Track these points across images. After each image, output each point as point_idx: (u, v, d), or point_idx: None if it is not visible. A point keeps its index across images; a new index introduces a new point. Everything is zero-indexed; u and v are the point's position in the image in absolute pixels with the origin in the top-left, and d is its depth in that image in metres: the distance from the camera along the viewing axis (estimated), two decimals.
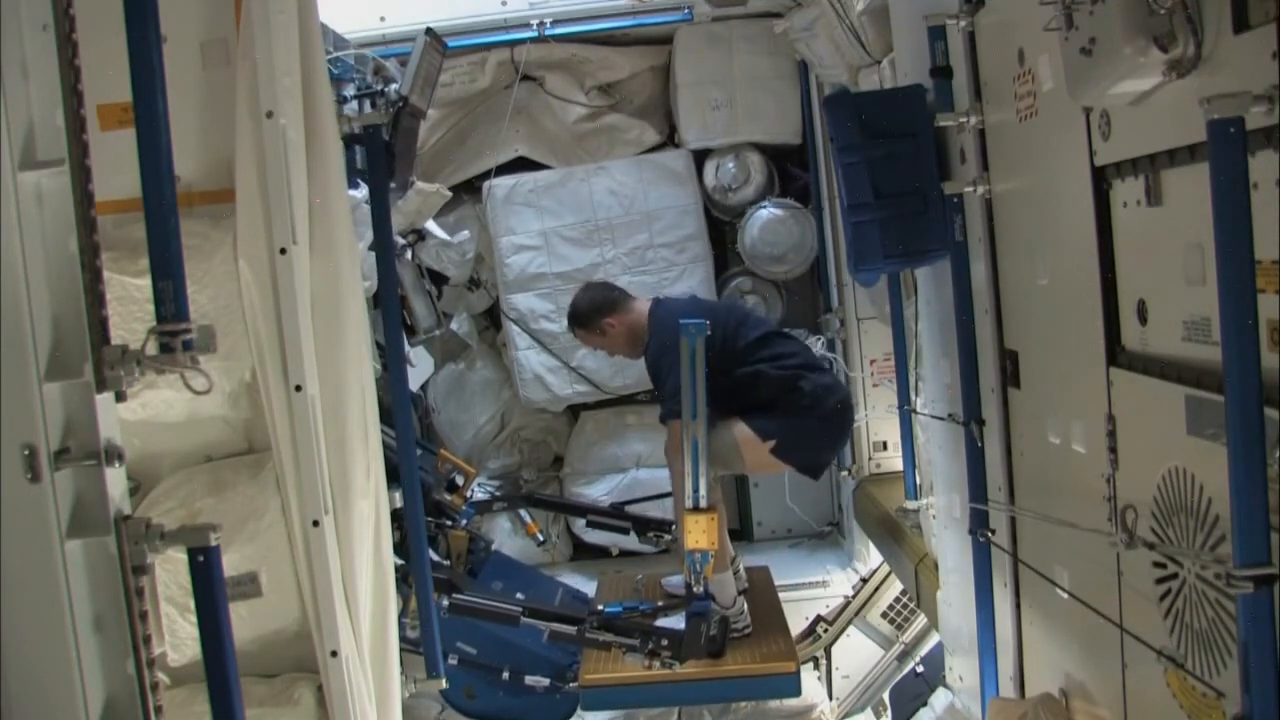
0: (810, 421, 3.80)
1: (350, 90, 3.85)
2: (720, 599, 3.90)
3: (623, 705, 4.29)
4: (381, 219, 3.38)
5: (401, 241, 4.57)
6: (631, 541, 5.36)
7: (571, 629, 3.82)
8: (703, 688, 3.79)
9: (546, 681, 4.05)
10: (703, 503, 3.51)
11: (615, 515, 4.64)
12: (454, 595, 3.81)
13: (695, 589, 3.63)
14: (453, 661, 3.86)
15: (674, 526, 4.21)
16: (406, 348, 4.81)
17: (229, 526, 2.45)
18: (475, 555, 4.24)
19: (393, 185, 4.26)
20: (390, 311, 3.50)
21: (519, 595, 4.23)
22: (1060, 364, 2.50)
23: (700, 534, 3.52)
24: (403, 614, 3.49)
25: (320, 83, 2.62)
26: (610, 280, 4.76)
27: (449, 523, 4.13)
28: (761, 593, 4.34)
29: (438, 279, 5.30)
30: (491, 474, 5.52)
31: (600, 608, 4.21)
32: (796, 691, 3.91)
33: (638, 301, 4.05)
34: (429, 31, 4.28)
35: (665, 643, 3.70)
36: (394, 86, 4.21)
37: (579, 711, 4.31)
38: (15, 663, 1.71)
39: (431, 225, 4.92)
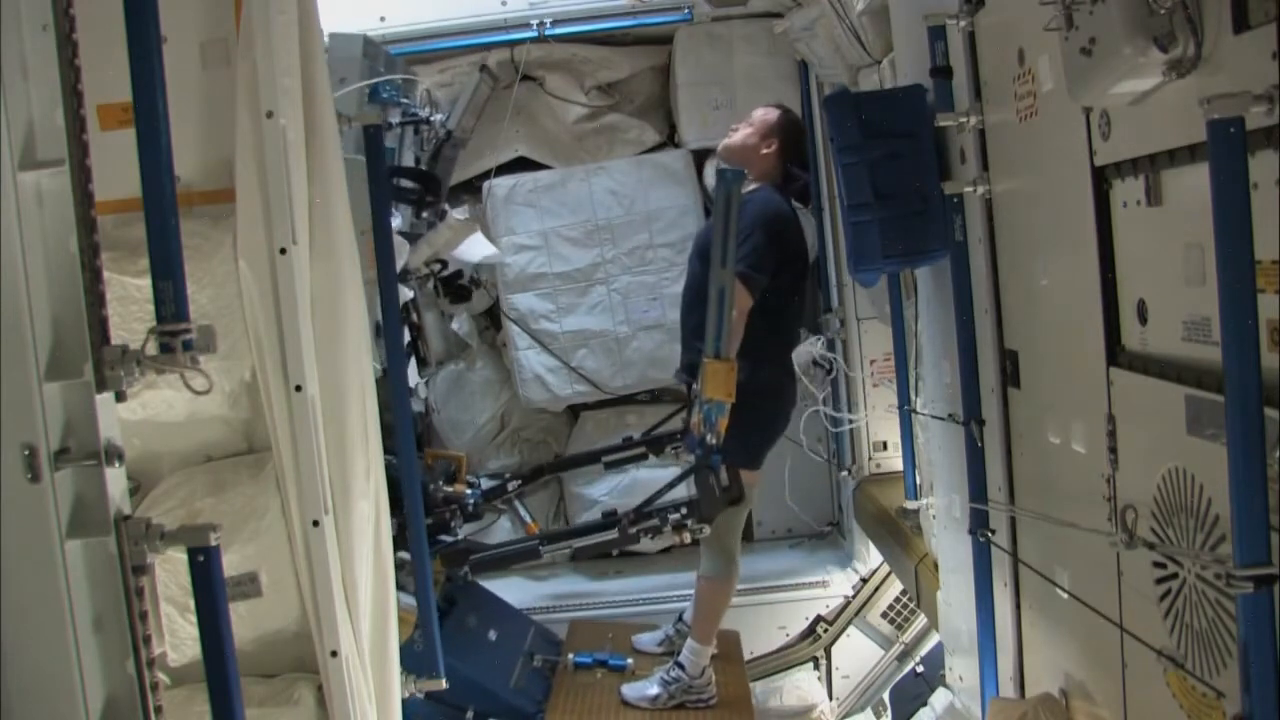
0: (762, 428, 3.84)
1: (396, 116, 3.82)
2: (690, 668, 3.92)
3: None
4: (381, 224, 3.37)
5: (425, 270, 4.56)
6: (631, 541, 5.36)
7: (593, 538, 3.79)
8: None
9: None
10: (723, 352, 3.46)
11: (630, 446, 4.55)
12: (471, 557, 3.81)
13: (709, 441, 3.52)
14: (420, 695, 3.86)
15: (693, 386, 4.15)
16: (416, 378, 4.83)
17: (229, 526, 2.45)
18: (453, 583, 4.23)
19: (425, 214, 4.26)
20: (392, 326, 3.49)
21: (491, 633, 4.22)
22: (1060, 364, 2.50)
23: (719, 383, 3.44)
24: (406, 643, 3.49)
25: (320, 83, 2.61)
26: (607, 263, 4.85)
27: (457, 506, 4.13)
28: (729, 660, 4.33)
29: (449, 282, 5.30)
30: (491, 474, 5.52)
31: (571, 655, 4.21)
32: None
33: (783, 172, 4.02)
34: (484, 68, 4.28)
35: (684, 512, 3.62)
36: (439, 116, 4.21)
37: None
38: (15, 663, 1.71)
39: (473, 248, 4.84)
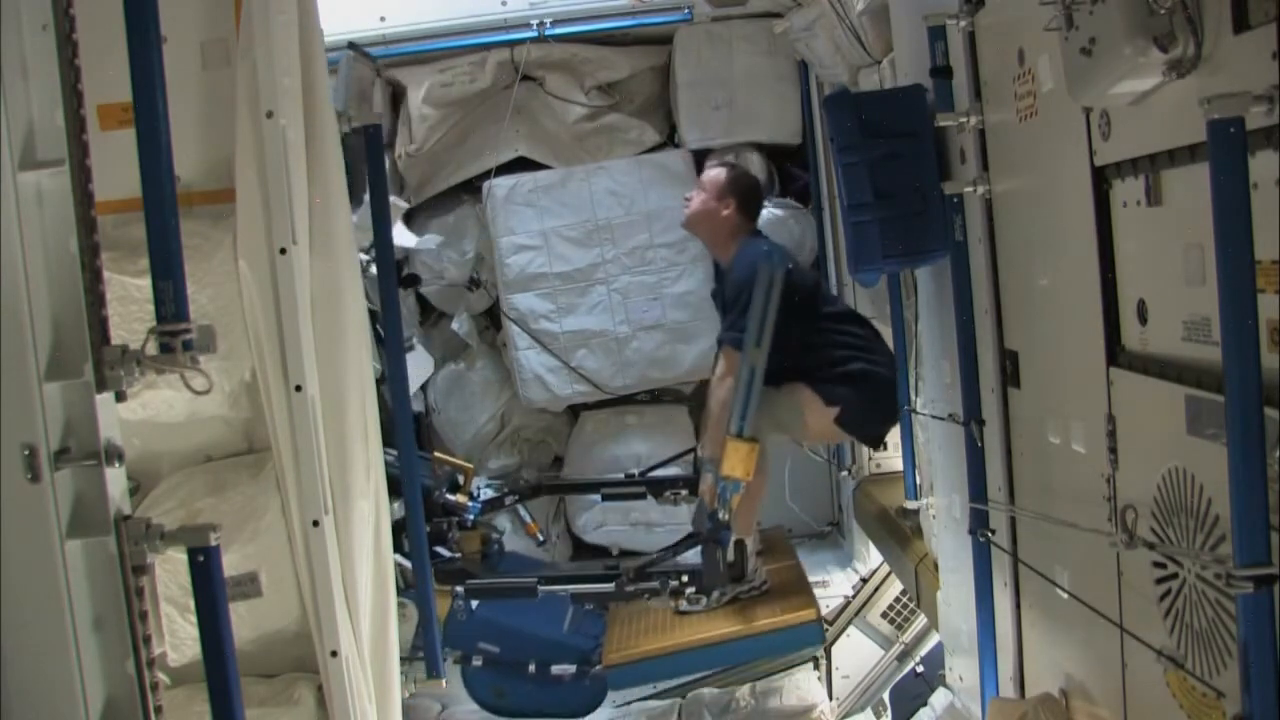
0: (865, 396, 3.85)
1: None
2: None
3: (650, 679, 4.22)
4: (381, 224, 3.38)
5: (364, 258, 4.57)
6: (633, 541, 5.37)
7: (592, 587, 3.80)
8: (726, 649, 3.77)
9: (573, 668, 4.05)
10: (747, 430, 3.48)
11: (630, 483, 4.60)
12: (468, 581, 3.81)
13: (721, 517, 3.57)
14: (477, 663, 3.87)
15: (697, 453, 4.13)
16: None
17: (229, 526, 2.46)
18: (490, 555, 4.26)
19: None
20: (392, 325, 3.49)
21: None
22: (1060, 364, 2.50)
23: (738, 462, 3.48)
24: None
25: (320, 83, 2.62)
26: (613, 279, 4.99)
27: (456, 519, 4.14)
28: (777, 552, 4.39)
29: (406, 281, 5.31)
30: (491, 474, 5.52)
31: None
32: (820, 639, 3.89)
33: (750, 223, 4.03)
34: (352, 45, 4.28)
35: (686, 579, 3.64)
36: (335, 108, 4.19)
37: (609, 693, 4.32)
38: (15, 663, 1.71)
39: (399, 234, 4.88)
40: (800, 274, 3.93)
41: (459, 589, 4.05)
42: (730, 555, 3.63)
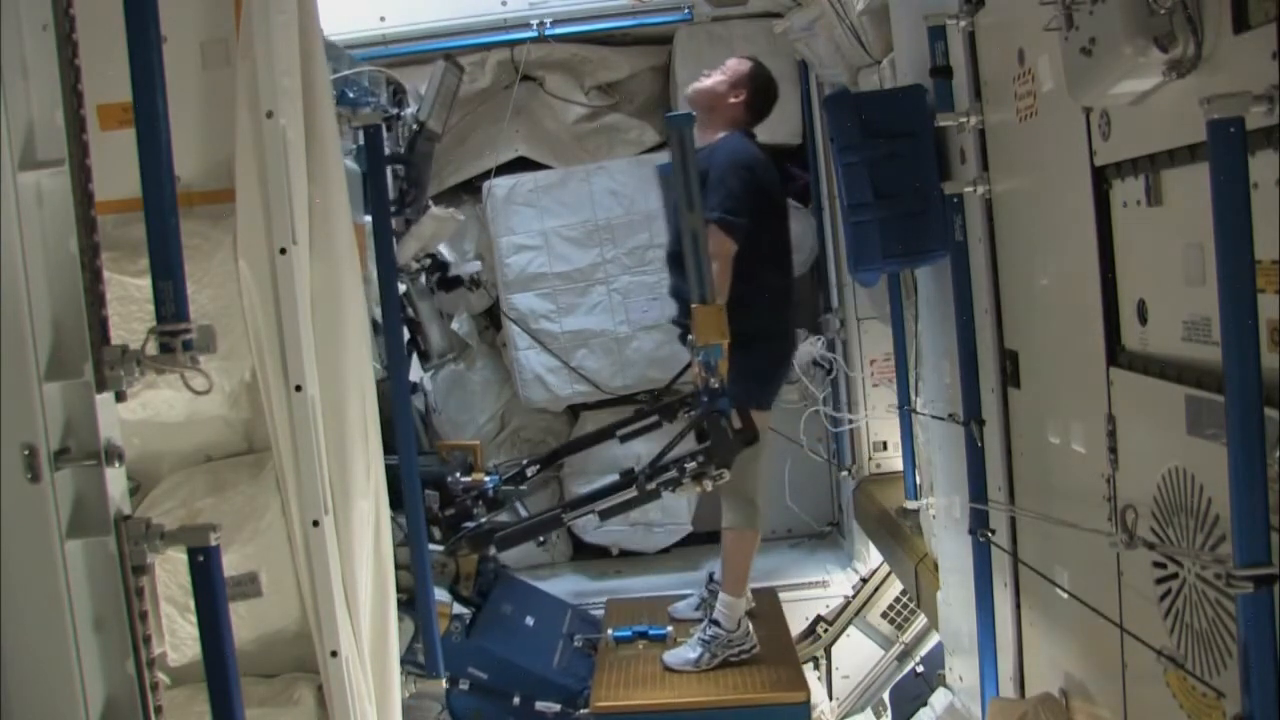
0: (765, 374, 3.89)
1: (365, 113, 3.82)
2: (725, 623, 3.91)
3: None
4: (382, 224, 3.37)
5: (415, 265, 4.58)
6: (632, 541, 5.37)
7: (614, 498, 3.72)
8: (713, 716, 3.77)
9: (557, 708, 4.03)
10: (709, 296, 3.42)
11: (644, 415, 4.52)
12: (496, 535, 3.82)
13: (712, 384, 3.46)
14: (464, 687, 3.85)
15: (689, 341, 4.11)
16: (420, 373, 4.84)
17: (229, 526, 2.45)
18: (484, 577, 4.25)
19: (408, 209, 4.29)
20: (392, 326, 3.48)
21: (528, 619, 4.24)
22: (1060, 364, 2.50)
23: (708, 326, 3.40)
24: (415, 639, 3.50)
25: (320, 83, 2.62)
26: (605, 265, 5.11)
27: (476, 492, 4.14)
28: (768, 615, 4.35)
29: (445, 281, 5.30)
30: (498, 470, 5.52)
31: (610, 631, 4.22)
32: None
33: (749, 121, 4.01)
34: (448, 58, 4.28)
35: (701, 460, 3.55)
36: (410, 110, 4.20)
37: None
38: (15, 663, 1.71)
39: (444, 250, 4.94)
40: (770, 178, 3.90)
41: (455, 610, 4.05)
42: (735, 422, 3.50)
